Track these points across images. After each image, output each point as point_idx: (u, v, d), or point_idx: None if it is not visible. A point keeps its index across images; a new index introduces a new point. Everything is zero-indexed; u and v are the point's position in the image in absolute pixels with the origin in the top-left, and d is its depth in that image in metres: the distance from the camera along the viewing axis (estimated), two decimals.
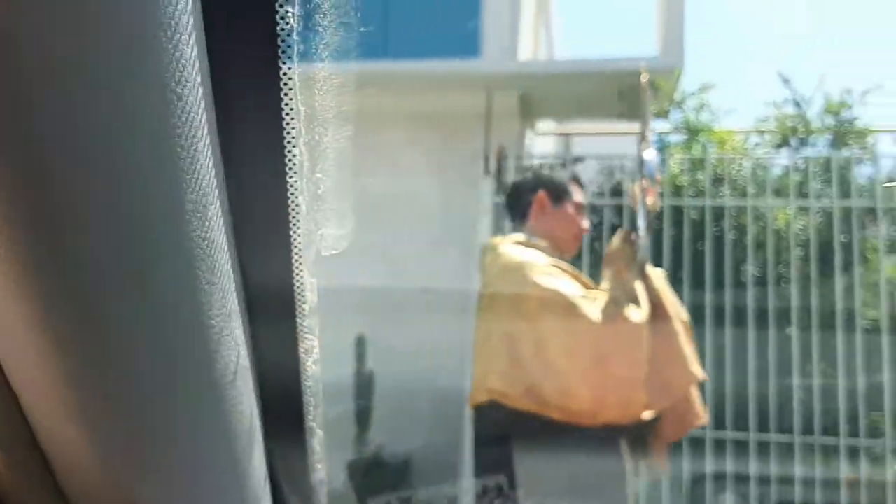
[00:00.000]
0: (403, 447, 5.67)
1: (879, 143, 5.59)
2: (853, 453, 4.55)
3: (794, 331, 4.72)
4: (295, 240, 0.66)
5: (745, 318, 4.71)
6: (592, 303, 2.09)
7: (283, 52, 0.57)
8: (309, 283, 0.70)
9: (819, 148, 5.62)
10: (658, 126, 6.26)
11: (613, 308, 2.09)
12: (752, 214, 5.06)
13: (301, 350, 0.74)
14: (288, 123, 0.60)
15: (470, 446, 4.83)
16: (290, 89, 0.59)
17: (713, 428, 4.49)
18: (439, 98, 6.62)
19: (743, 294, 4.76)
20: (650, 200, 2.33)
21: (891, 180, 4.98)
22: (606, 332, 2.06)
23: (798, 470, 4.52)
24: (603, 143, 6.95)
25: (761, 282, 4.86)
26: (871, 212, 4.91)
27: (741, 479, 4.54)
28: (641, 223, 2.32)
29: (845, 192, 4.88)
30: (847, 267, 4.75)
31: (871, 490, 4.50)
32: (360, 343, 5.22)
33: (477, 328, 2.30)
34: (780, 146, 5.69)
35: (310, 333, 0.75)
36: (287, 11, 0.56)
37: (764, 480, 4.54)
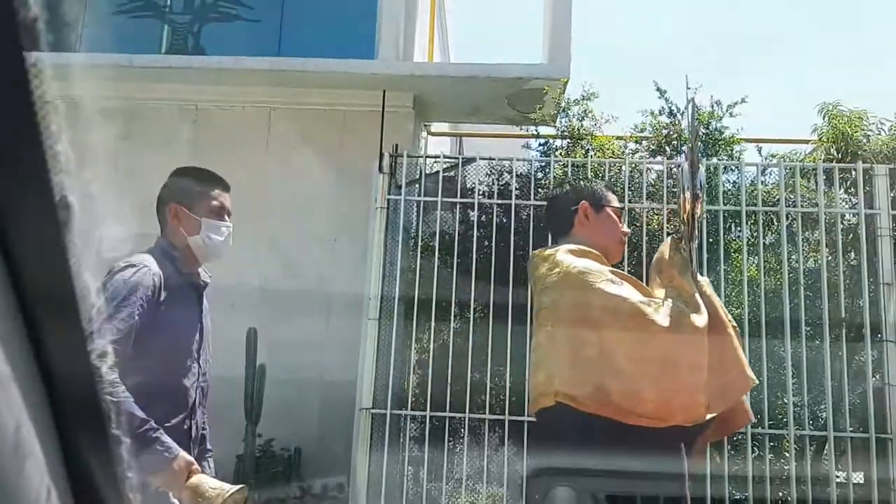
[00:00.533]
0: (293, 440, 5.68)
1: (744, 152, 6.07)
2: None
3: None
4: (69, 242, 0.62)
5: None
6: (658, 310, 2.17)
7: (32, 45, 0.54)
8: (92, 287, 0.68)
9: None
10: (544, 131, 6.55)
11: (679, 315, 2.17)
12: (629, 216, 5.38)
13: (93, 356, 0.71)
14: (44, 119, 0.57)
15: (359, 441, 4.93)
16: (40, 84, 0.56)
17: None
18: (336, 96, 6.68)
19: None
20: (699, 210, 2.43)
21: (753, 186, 5.40)
22: (673, 339, 2.13)
23: None
24: (493, 145, 7.18)
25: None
26: (736, 215, 5.31)
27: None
28: (692, 232, 2.44)
29: (713, 197, 5.26)
30: (714, 266, 5.12)
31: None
32: (251, 338, 5.20)
33: (538, 334, 2.32)
34: (655, 153, 6.06)
35: (101, 337, 0.71)
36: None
37: None
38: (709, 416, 2.19)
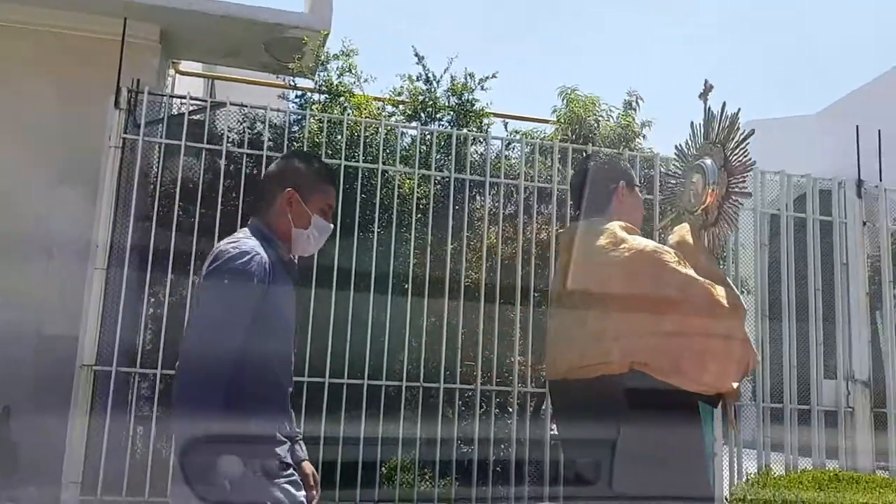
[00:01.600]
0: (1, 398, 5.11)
1: (492, 125, 6.36)
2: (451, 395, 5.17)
3: (409, 287, 5.19)
4: None
5: (369, 278, 5.04)
6: (719, 292, 2.39)
7: None
8: None
9: (444, 123, 6.20)
10: (302, 84, 6.37)
11: (732, 297, 2.42)
12: (383, 178, 5.43)
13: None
14: None
15: (78, 399, 4.53)
16: None
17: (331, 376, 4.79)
18: (74, 19, 6.00)
19: (368, 255, 5.08)
20: (711, 198, 2.64)
21: (498, 158, 5.68)
22: (731, 318, 2.39)
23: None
24: (247, 92, 6.86)
25: (385, 242, 5.24)
26: (481, 185, 5.56)
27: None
28: (717, 220, 2.63)
29: (461, 167, 5.46)
30: (458, 233, 5.34)
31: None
32: None
33: (596, 305, 2.43)
34: (411, 118, 6.15)
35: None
36: None
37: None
38: (736, 385, 2.48)
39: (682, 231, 2.72)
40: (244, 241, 2.07)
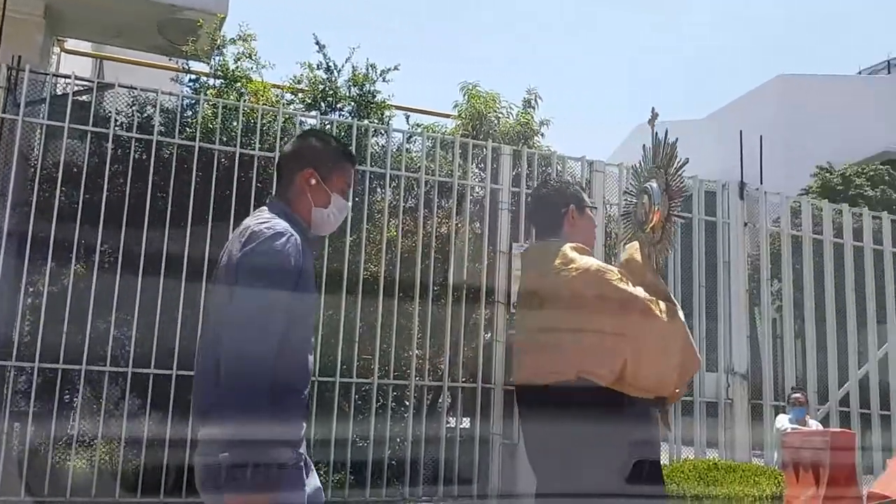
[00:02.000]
0: None
1: (394, 117, 6.33)
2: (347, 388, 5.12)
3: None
4: None
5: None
6: (658, 306, 2.62)
7: None
8: None
9: (344, 114, 6.13)
10: (196, 68, 6.16)
11: (670, 311, 2.64)
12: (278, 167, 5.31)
13: None
14: None
15: None
16: None
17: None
18: None
19: None
20: (657, 218, 2.84)
21: (399, 151, 5.66)
22: (668, 329, 2.61)
23: None
24: (136, 73, 6.59)
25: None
26: (381, 177, 5.52)
27: None
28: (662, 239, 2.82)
29: (362, 158, 5.41)
30: (357, 224, 5.29)
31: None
32: None
33: (547, 319, 2.67)
34: (310, 106, 6.05)
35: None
36: None
37: None
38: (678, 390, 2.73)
39: (632, 249, 2.91)
40: (275, 220, 1.99)
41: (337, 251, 5.20)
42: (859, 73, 23.97)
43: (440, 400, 5.56)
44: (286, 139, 5.27)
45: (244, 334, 1.84)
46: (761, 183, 6.45)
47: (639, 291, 2.65)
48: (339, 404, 5.04)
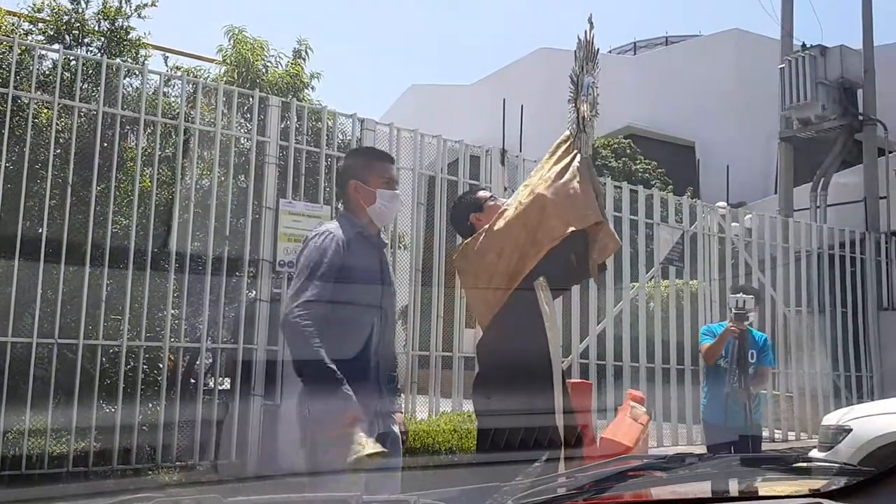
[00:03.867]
0: None
1: (151, 58, 5.84)
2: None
3: (44, 232, 4.60)
4: None
5: None
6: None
7: None
8: None
9: (93, 49, 5.55)
10: None
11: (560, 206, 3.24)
12: (14, 105, 4.71)
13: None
14: None
15: None
16: None
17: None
18: None
19: None
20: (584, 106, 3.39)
21: (155, 95, 5.22)
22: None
23: None
24: None
25: (15, 180, 4.56)
26: (135, 122, 5.08)
27: None
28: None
29: (112, 100, 4.93)
30: (106, 173, 4.83)
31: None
32: None
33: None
34: (52, 39, 5.41)
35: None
36: None
37: None
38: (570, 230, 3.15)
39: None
40: (325, 225, 2.78)
41: (82, 201, 4.73)
42: (609, 52, 26.07)
43: (197, 362, 5.31)
44: (24, 75, 4.68)
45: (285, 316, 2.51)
46: (521, 150, 6.80)
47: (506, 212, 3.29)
48: (84, 368, 4.62)
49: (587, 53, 3.45)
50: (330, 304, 2.50)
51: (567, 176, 3.25)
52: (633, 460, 1.50)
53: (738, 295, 4.73)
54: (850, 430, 4.74)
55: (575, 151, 3.32)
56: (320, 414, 2.44)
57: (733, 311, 4.70)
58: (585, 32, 3.48)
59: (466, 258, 3.35)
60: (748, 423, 4.61)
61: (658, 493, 1.34)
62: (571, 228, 3.14)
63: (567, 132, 3.41)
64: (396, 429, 2.75)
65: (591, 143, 3.49)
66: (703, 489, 1.43)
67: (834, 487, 1.37)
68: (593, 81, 3.43)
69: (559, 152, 3.37)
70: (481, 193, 3.57)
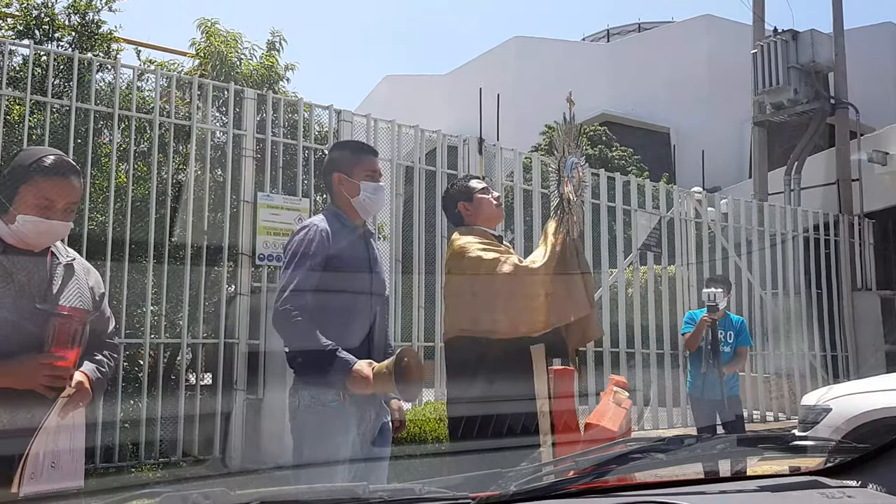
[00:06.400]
0: None
1: (123, 52, 5.77)
2: None
3: None
4: None
5: None
6: (502, 262, 3.09)
7: None
8: None
9: (63, 44, 5.47)
10: None
11: (514, 265, 3.10)
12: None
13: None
14: None
15: None
16: None
17: None
18: None
19: None
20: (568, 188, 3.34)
21: (129, 89, 5.16)
22: (512, 280, 3.08)
23: None
24: None
25: None
26: (109, 117, 5.03)
27: None
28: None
29: (85, 95, 4.88)
30: (81, 169, 4.77)
31: None
32: None
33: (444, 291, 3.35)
34: (22, 34, 5.33)
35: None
36: None
37: None
38: (552, 328, 3.10)
39: (549, 225, 3.36)
40: (311, 218, 2.85)
41: None
42: (583, 39, 26.12)
43: (178, 357, 5.28)
44: None
45: (276, 306, 2.51)
46: (497, 139, 6.81)
47: (487, 255, 3.17)
48: None
49: (568, 132, 3.45)
50: (318, 293, 2.52)
51: (554, 263, 3.19)
52: (632, 443, 1.53)
53: (708, 290, 5.23)
54: (830, 409, 4.80)
55: (563, 232, 3.25)
56: (334, 386, 2.47)
57: (706, 303, 5.18)
58: (564, 114, 3.55)
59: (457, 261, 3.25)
60: (724, 393, 5.10)
61: (660, 474, 1.37)
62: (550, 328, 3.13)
63: (555, 218, 3.33)
64: (388, 418, 2.75)
65: (580, 223, 3.43)
66: (703, 469, 1.47)
67: (831, 464, 1.40)
68: (576, 161, 3.42)
69: (550, 236, 3.30)
70: (473, 183, 3.50)
